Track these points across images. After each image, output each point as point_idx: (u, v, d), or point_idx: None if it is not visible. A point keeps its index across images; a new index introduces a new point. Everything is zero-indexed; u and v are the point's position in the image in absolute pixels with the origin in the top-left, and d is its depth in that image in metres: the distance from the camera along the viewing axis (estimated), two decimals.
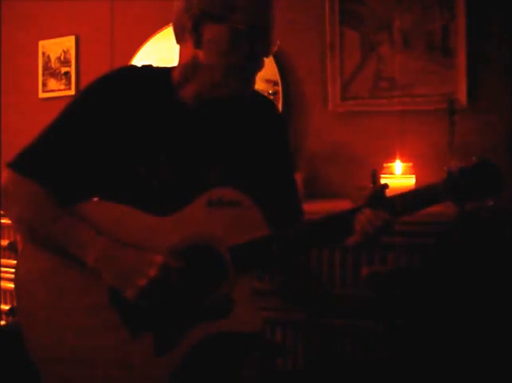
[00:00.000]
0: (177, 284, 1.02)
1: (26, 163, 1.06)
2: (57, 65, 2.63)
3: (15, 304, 1.08)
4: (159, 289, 1.00)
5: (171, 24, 1.11)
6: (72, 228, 1.03)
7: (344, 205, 1.41)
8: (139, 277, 0.98)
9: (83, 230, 1.02)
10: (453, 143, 1.61)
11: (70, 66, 2.60)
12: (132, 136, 1.09)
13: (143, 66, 1.16)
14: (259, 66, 1.08)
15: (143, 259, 1.00)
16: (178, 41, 1.10)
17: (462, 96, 1.86)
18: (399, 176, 1.72)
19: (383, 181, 1.67)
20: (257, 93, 1.25)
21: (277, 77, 2.14)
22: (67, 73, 2.61)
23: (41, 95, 2.67)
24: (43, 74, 2.66)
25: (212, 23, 1.02)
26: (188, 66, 1.08)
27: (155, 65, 1.18)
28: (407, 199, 1.07)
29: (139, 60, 2.38)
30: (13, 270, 1.07)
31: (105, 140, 1.08)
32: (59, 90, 2.62)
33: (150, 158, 1.09)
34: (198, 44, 1.04)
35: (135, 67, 1.17)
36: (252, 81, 1.10)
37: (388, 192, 1.08)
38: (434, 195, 1.06)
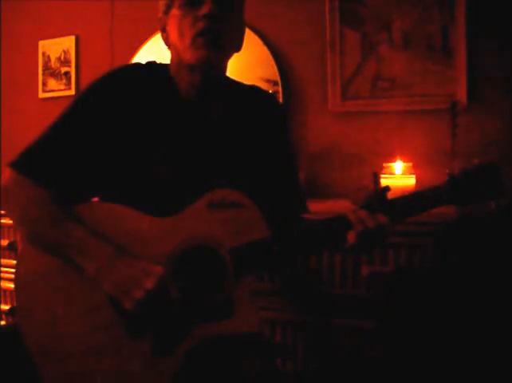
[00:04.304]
0: (175, 294, 1.01)
1: (28, 163, 1.06)
2: (57, 65, 2.63)
3: (15, 304, 1.08)
4: (157, 300, 0.99)
5: None
6: (73, 234, 1.02)
7: (344, 205, 1.41)
8: (136, 289, 0.97)
9: (85, 237, 1.02)
10: (455, 145, 1.61)
11: (70, 66, 2.60)
12: (133, 135, 1.09)
13: (147, 63, 1.17)
14: (207, 22, 1.04)
15: (142, 270, 0.99)
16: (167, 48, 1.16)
17: (462, 96, 1.86)
18: (399, 176, 1.72)
19: (383, 181, 1.67)
20: (258, 88, 1.26)
21: (277, 77, 2.14)
22: (67, 73, 2.61)
23: (41, 95, 2.67)
24: (43, 74, 2.66)
25: (166, 18, 1.11)
26: (172, 65, 1.14)
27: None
28: (409, 202, 1.06)
29: (139, 60, 2.38)
30: (13, 270, 1.07)
31: (107, 139, 1.08)
32: (59, 90, 2.62)
33: (150, 158, 1.09)
34: (166, 41, 1.13)
35: (138, 64, 1.17)
36: (209, 45, 1.04)
37: (390, 194, 1.08)
38: (436, 198, 1.06)
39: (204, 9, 1.03)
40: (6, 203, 1.08)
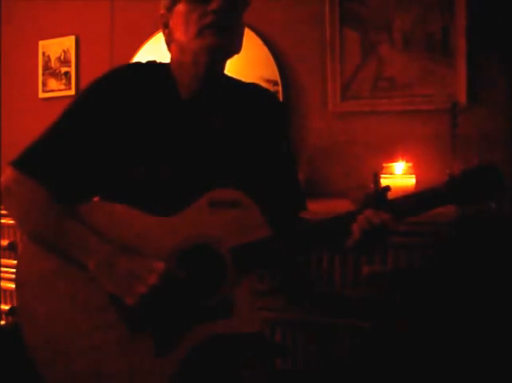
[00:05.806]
0: (177, 290, 1.02)
1: (30, 162, 1.06)
2: (57, 65, 2.63)
3: (15, 304, 1.08)
4: (159, 296, 1.00)
5: None
6: (74, 232, 1.03)
7: (344, 205, 1.41)
8: (138, 284, 0.98)
9: (85, 234, 1.02)
10: (455, 146, 1.61)
11: (70, 66, 2.60)
12: (134, 135, 1.09)
13: (148, 62, 1.17)
14: (214, 19, 1.05)
15: (143, 266, 1.00)
16: (167, 46, 1.17)
17: (462, 96, 1.86)
18: (399, 176, 1.71)
19: (383, 181, 1.66)
20: (258, 86, 1.26)
21: (277, 77, 2.14)
22: (67, 73, 2.61)
23: (41, 95, 2.67)
24: (43, 74, 2.66)
25: (170, 14, 1.11)
26: (173, 63, 1.14)
27: None
28: (409, 201, 1.06)
29: (139, 60, 2.38)
30: (13, 270, 1.07)
31: (108, 139, 1.08)
32: (59, 90, 2.62)
33: (151, 157, 1.09)
34: (169, 37, 1.14)
35: (138, 64, 1.17)
36: (214, 44, 1.05)
37: (390, 194, 1.08)
38: (436, 198, 1.06)
39: (213, 5, 1.04)
40: (8, 202, 1.08)
